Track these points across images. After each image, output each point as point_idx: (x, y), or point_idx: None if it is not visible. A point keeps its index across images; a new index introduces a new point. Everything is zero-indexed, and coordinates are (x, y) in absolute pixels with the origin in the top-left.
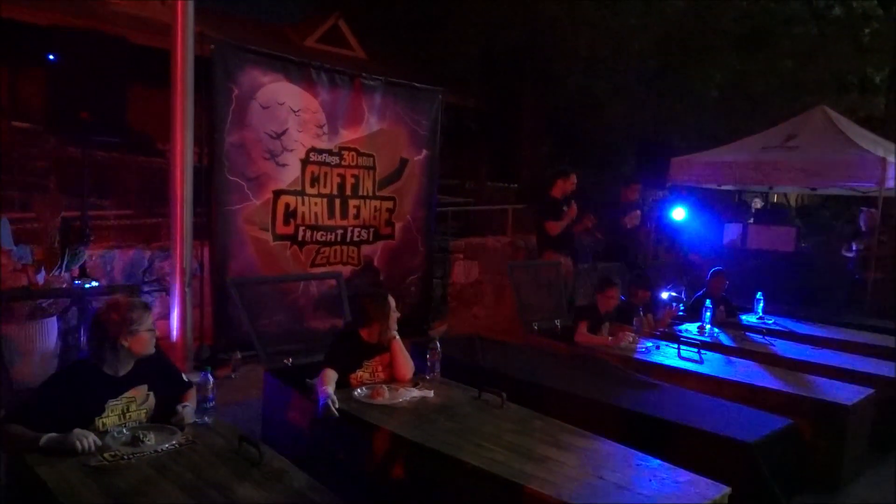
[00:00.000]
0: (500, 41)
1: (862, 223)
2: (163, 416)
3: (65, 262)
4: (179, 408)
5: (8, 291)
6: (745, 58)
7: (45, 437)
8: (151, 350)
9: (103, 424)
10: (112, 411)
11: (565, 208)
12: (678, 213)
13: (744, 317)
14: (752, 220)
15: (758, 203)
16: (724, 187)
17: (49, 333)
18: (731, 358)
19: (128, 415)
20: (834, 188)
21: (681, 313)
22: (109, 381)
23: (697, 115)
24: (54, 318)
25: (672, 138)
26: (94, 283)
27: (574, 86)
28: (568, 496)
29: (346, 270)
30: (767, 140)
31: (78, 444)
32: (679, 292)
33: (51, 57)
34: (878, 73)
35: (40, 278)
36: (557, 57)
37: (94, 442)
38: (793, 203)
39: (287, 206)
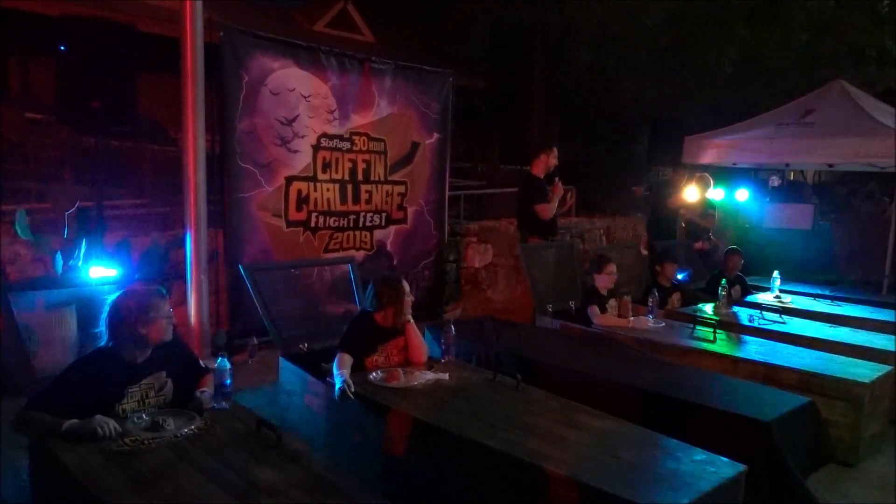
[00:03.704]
0: (508, 20)
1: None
2: (181, 402)
3: (82, 252)
4: (197, 393)
5: (27, 281)
6: (759, 31)
7: (66, 424)
8: (169, 337)
9: (123, 411)
10: (131, 397)
11: (549, 187)
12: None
13: (760, 295)
14: (768, 199)
15: (775, 181)
16: (739, 166)
17: (68, 322)
18: (747, 337)
19: (147, 401)
20: (852, 164)
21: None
22: (128, 367)
23: (711, 92)
24: (73, 307)
25: (686, 116)
26: (111, 272)
27: (585, 64)
28: (584, 476)
29: (359, 255)
30: (783, 116)
31: (99, 429)
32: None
33: (61, 47)
34: None
35: (58, 268)
36: (567, 35)
37: (115, 428)
38: (810, 180)
39: (299, 192)
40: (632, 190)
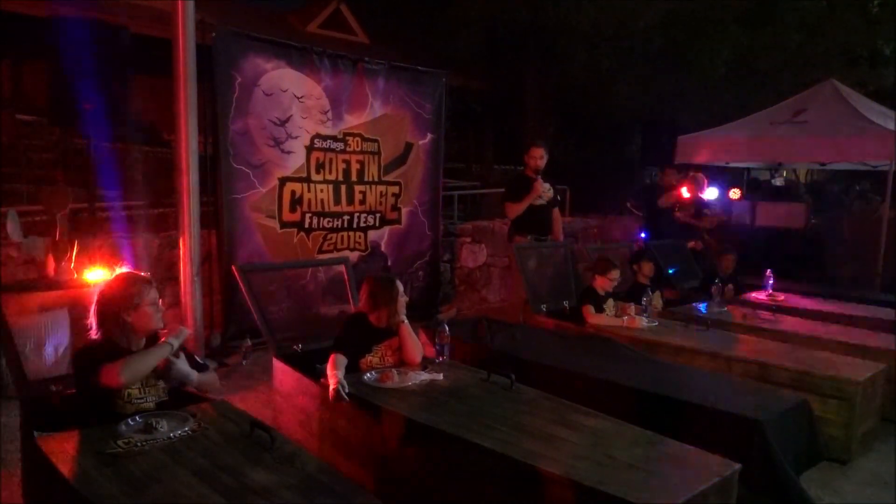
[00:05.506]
0: (503, 20)
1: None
2: (175, 393)
3: (74, 253)
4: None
5: (19, 284)
6: (752, 32)
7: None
8: (158, 325)
9: (129, 395)
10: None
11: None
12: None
13: (753, 294)
14: (761, 198)
15: (779, 181)
16: (732, 165)
17: (60, 325)
18: (741, 335)
19: (147, 388)
20: (844, 163)
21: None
22: (125, 354)
23: (705, 93)
24: (65, 310)
25: (679, 116)
26: (104, 274)
27: (579, 65)
28: (578, 475)
29: (354, 256)
30: (776, 115)
31: None
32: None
33: (53, 49)
34: (887, 46)
35: (50, 270)
36: (562, 35)
37: None
38: (802, 179)
39: (293, 193)
40: (627, 199)
